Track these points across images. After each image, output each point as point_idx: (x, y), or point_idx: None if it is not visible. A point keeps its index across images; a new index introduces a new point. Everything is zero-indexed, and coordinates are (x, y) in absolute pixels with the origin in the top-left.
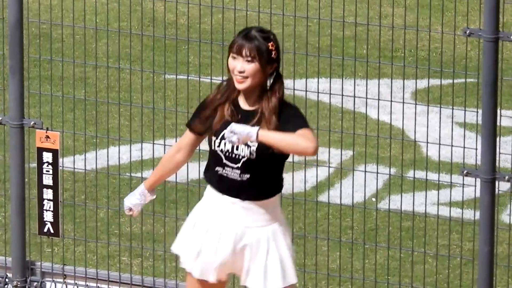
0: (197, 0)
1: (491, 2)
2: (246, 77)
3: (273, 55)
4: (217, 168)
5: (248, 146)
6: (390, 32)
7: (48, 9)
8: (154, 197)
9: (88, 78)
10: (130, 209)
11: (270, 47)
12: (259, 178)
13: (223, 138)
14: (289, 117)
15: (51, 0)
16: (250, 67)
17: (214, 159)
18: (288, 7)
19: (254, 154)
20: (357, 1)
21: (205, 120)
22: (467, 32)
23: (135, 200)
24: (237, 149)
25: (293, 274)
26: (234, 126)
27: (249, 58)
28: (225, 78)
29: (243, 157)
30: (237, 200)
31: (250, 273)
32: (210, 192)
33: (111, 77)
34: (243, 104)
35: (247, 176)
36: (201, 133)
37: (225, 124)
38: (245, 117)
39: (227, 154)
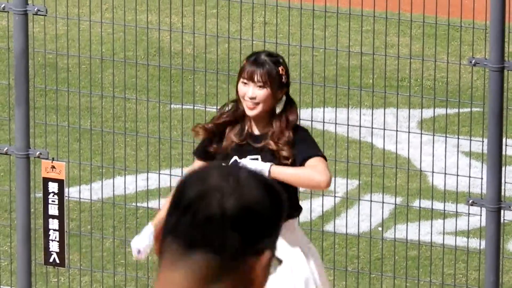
0: (203, 30)
1: (496, 32)
2: (258, 103)
3: (283, 80)
4: None
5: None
6: (396, 62)
7: (54, 38)
8: None
9: (94, 108)
10: (139, 252)
11: (281, 72)
12: None
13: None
14: (300, 141)
15: (56, 30)
16: (262, 93)
17: None
18: (294, 36)
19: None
20: (363, 31)
21: (213, 145)
22: (473, 61)
23: (144, 242)
24: None
25: None
26: (245, 163)
27: (261, 84)
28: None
29: None
30: None
31: None
32: None
33: (117, 106)
34: (253, 128)
35: None
36: (209, 159)
37: (236, 149)
38: (254, 142)
39: None
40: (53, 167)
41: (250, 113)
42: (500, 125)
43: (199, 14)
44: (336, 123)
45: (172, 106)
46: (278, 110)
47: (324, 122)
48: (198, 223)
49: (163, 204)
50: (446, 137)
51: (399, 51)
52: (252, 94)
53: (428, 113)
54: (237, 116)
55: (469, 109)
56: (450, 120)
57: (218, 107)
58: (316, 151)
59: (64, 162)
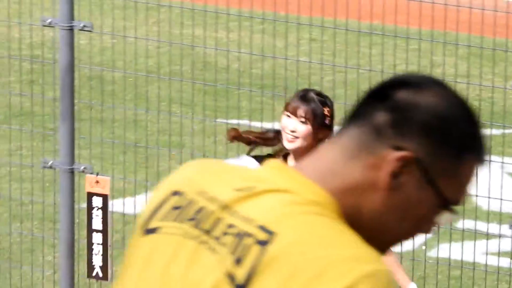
0: (249, 46)
1: None
2: (297, 137)
3: (327, 121)
4: None
5: None
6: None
7: (100, 51)
8: None
9: (139, 121)
10: None
11: (326, 112)
12: None
13: None
14: None
15: (103, 43)
16: (303, 129)
17: None
18: (341, 53)
19: None
20: (409, 50)
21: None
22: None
23: None
24: None
25: None
26: None
27: (303, 120)
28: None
29: None
30: None
31: None
32: None
33: (162, 120)
34: (291, 163)
35: None
36: None
37: None
38: None
39: None
40: (97, 181)
41: (288, 145)
42: None
43: (245, 30)
44: None
45: (217, 120)
46: None
47: None
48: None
49: None
50: (490, 158)
51: (445, 71)
52: (293, 127)
53: None
54: (275, 144)
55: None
56: (496, 141)
57: (263, 123)
58: None
59: (108, 177)
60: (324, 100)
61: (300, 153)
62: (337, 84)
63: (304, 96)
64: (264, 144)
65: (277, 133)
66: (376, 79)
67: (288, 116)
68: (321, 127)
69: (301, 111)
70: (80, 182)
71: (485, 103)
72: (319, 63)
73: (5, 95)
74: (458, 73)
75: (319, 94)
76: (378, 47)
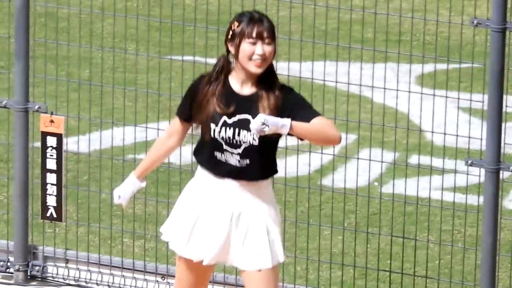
0: None
1: None
2: (265, 60)
3: (276, 35)
4: (216, 153)
5: (250, 132)
6: (397, 16)
7: None
8: (144, 184)
9: (93, 58)
10: (119, 197)
11: (274, 26)
12: (258, 162)
13: (223, 125)
14: (296, 104)
15: None
16: (270, 49)
17: (212, 145)
18: None
19: (257, 140)
20: None
21: (197, 108)
22: (475, 22)
23: (124, 189)
24: (238, 135)
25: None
26: (266, 118)
27: (268, 40)
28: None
29: (244, 142)
30: (233, 181)
31: (246, 252)
32: (203, 174)
33: (116, 57)
34: (238, 89)
35: (247, 161)
36: (191, 121)
37: (223, 112)
38: (241, 103)
39: (228, 140)
40: (51, 121)
41: (258, 70)
42: (500, 85)
43: None
44: (336, 82)
45: (171, 57)
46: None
47: (324, 80)
48: None
49: (147, 155)
50: (446, 93)
51: (400, 6)
52: (262, 50)
53: (427, 68)
54: (223, 81)
55: (469, 65)
56: (450, 75)
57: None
58: (316, 112)
59: (63, 117)
60: (266, 15)
61: (253, 75)
62: (292, 20)
63: (254, 19)
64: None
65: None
66: (332, 15)
67: (253, 43)
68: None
69: (266, 33)
70: (34, 121)
71: (441, 38)
72: None
73: None
74: (415, 8)
75: (258, 12)
76: None
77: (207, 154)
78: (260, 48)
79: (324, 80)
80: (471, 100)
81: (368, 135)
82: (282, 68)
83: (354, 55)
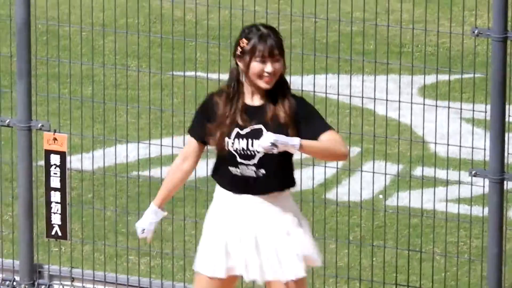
0: None
1: (499, 1)
2: (274, 75)
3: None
4: (231, 169)
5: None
6: (398, 28)
7: (55, 5)
8: (165, 213)
9: (95, 76)
10: (143, 231)
11: (282, 39)
12: (274, 172)
13: (236, 137)
14: (308, 116)
15: None
16: (279, 65)
17: (227, 159)
18: (295, 2)
19: None
20: None
21: (215, 127)
22: (476, 31)
23: (147, 221)
24: (252, 145)
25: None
26: (276, 138)
27: (278, 57)
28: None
29: (258, 152)
30: (251, 196)
31: (267, 265)
32: (222, 194)
33: (118, 74)
34: (249, 100)
35: (263, 171)
36: (206, 140)
37: (237, 124)
38: (252, 114)
39: (242, 152)
40: (55, 139)
41: (267, 86)
42: (502, 95)
43: None
44: (338, 94)
45: (173, 73)
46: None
47: (326, 92)
48: None
49: (164, 182)
50: (448, 104)
51: (401, 17)
52: (272, 69)
53: (429, 79)
54: (238, 98)
55: (471, 75)
56: (452, 86)
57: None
58: (327, 125)
59: (66, 134)
60: (275, 29)
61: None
62: (293, 33)
63: (263, 36)
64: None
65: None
66: (333, 28)
67: (263, 61)
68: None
69: (276, 51)
70: (37, 140)
71: (442, 49)
72: (275, 12)
73: None
74: (416, 19)
75: (266, 27)
76: None
77: (223, 172)
78: (270, 66)
79: (326, 93)
80: (473, 110)
81: (371, 148)
82: None
83: (356, 67)
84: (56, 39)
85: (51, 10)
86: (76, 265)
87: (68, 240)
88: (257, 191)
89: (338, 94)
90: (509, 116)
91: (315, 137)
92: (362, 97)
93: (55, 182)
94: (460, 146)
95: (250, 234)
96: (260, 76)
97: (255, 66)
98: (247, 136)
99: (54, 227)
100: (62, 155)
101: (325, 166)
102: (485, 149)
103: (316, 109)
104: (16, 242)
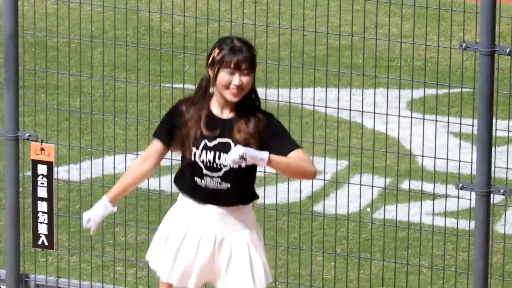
0: (193, 9)
1: (487, 16)
2: (242, 89)
3: (256, 62)
4: (196, 179)
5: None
6: (386, 42)
7: (44, 17)
8: (115, 209)
9: (83, 87)
10: (89, 220)
11: (255, 53)
12: (239, 186)
13: (204, 148)
14: (277, 134)
15: (46, 9)
16: (247, 79)
17: (192, 169)
18: (284, 15)
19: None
20: (353, 11)
21: (180, 132)
22: (463, 45)
23: (95, 212)
24: (219, 158)
25: (270, 274)
26: (245, 151)
27: (247, 71)
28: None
29: (225, 166)
30: (215, 207)
31: (230, 277)
32: (184, 201)
33: (106, 86)
34: (217, 112)
35: (227, 185)
36: (170, 145)
37: (202, 133)
38: (220, 127)
39: (208, 164)
40: (42, 149)
41: (234, 99)
42: (490, 109)
43: None
44: (326, 106)
45: (161, 85)
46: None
47: (314, 105)
48: None
49: (120, 179)
50: (436, 118)
51: (390, 31)
52: (239, 81)
53: (417, 93)
54: (206, 105)
55: (459, 89)
56: (440, 100)
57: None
58: (296, 144)
59: (53, 145)
60: (249, 43)
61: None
62: (281, 46)
63: (234, 48)
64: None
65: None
66: (321, 41)
67: (231, 73)
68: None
69: (244, 64)
70: (24, 150)
71: (431, 63)
72: (264, 25)
73: None
74: (404, 33)
75: (240, 39)
76: (323, 9)
77: (187, 180)
78: (237, 79)
79: (314, 105)
80: (460, 124)
81: (359, 161)
82: (273, 95)
83: (345, 81)
84: (44, 51)
85: (40, 21)
86: (62, 275)
87: (54, 250)
88: (220, 202)
89: (326, 107)
90: (496, 129)
91: (283, 154)
92: (350, 110)
93: (42, 192)
94: (447, 159)
95: (208, 243)
96: (227, 87)
97: (223, 76)
98: (214, 148)
99: (40, 236)
100: (49, 165)
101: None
102: (472, 162)
103: (285, 127)
104: (2, 252)
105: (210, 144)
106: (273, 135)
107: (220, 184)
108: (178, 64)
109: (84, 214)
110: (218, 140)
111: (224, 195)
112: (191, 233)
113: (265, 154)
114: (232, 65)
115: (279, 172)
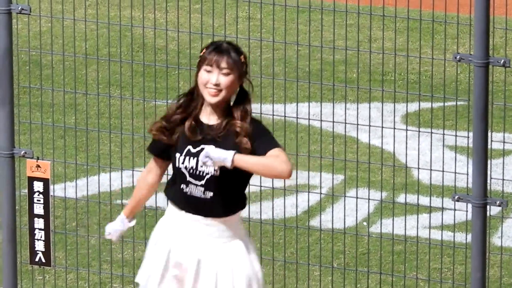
0: (187, 26)
1: (481, 28)
2: (220, 90)
3: (244, 69)
4: (182, 186)
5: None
6: (380, 56)
7: (38, 35)
8: (132, 224)
9: (78, 105)
10: (109, 234)
11: (243, 60)
12: (223, 195)
13: (187, 154)
14: (258, 134)
15: (40, 27)
16: (227, 80)
17: (178, 176)
18: (278, 31)
19: (218, 171)
20: (347, 25)
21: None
22: (458, 57)
23: (113, 227)
24: (201, 166)
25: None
26: (209, 150)
27: (226, 71)
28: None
29: (207, 174)
30: (200, 218)
31: None
32: (172, 211)
33: (101, 103)
34: (206, 119)
35: (211, 194)
36: (164, 155)
37: (188, 139)
38: (206, 133)
39: (191, 171)
40: (38, 166)
41: (212, 100)
42: (485, 121)
43: (182, 10)
44: (321, 120)
45: (156, 102)
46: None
47: (309, 118)
48: None
49: (133, 194)
50: (431, 131)
51: (383, 45)
52: (217, 80)
53: (412, 107)
54: (190, 112)
55: (453, 103)
56: (435, 113)
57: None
58: (275, 143)
59: (49, 161)
60: (238, 48)
61: (218, 107)
62: (276, 62)
63: (219, 48)
64: (187, 115)
65: (191, 94)
66: (315, 56)
67: (209, 71)
68: (240, 75)
69: (223, 63)
70: (20, 169)
71: (425, 76)
72: (258, 40)
73: None
74: (398, 47)
75: (230, 43)
76: (316, 24)
77: (175, 188)
78: (215, 78)
79: (309, 119)
80: (456, 136)
81: (355, 175)
82: (267, 110)
83: (339, 95)
84: (38, 69)
85: (34, 39)
86: None
87: (51, 267)
88: (205, 213)
89: (321, 120)
90: (491, 141)
91: (261, 154)
92: (345, 124)
93: (38, 208)
94: (443, 171)
95: (193, 256)
96: (205, 85)
97: (202, 74)
98: (197, 155)
99: (37, 253)
100: (45, 182)
101: (308, 192)
102: (467, 174)
103: (269, 130)
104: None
105: (193, 150)
106: (255, 137)
107: (204, 193)
108: (173, 80)
109: (106, 227)
110: (202, 146)
111: (209, 204)
112: (177, 247)
113: (229, 154)
114: (211, 63)
115: (254, 173)
